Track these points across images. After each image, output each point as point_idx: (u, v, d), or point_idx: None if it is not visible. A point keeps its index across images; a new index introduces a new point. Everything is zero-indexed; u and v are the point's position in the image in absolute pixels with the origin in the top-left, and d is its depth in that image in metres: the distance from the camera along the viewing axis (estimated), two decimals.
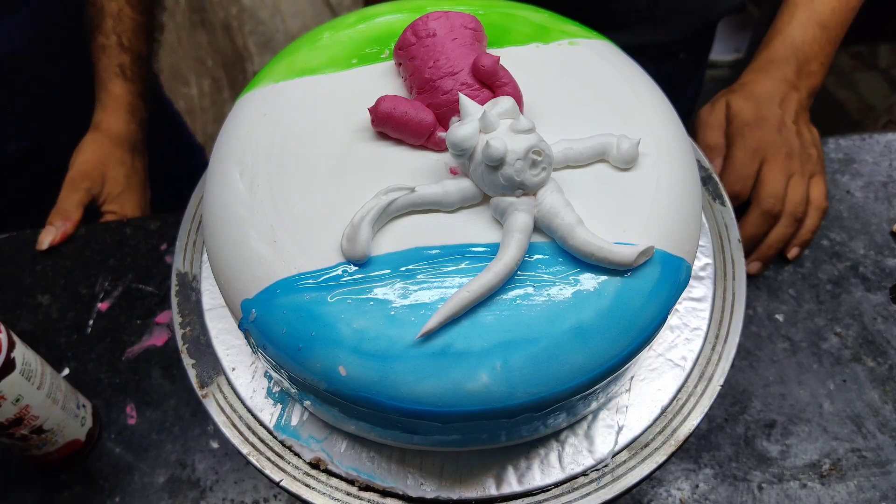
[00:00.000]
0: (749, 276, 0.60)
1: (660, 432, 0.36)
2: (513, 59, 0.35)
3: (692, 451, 0.53)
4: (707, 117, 0.62)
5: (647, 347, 0.33)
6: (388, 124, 0.33)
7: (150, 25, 0.76)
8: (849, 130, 0.74)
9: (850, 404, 0.55)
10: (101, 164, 0.70)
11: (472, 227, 0.31)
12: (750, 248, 0.58)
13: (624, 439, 0.36)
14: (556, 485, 0.35)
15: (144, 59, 0.74)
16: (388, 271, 0.30)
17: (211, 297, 0.41)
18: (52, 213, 0.66)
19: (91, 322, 0.62)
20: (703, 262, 0.42)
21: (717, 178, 0.46)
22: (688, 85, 0.86)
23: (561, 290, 0.29)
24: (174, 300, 0.41)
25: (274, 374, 0.35)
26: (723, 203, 0.45)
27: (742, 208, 0.59)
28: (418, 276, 0.30)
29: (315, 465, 0.36)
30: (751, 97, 0.61)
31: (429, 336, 0.28)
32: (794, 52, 0.62)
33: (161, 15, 0.80)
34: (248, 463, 0.36)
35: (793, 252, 0.61)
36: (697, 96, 0.92)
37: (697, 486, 0.52)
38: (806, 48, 0.62)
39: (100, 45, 0.72)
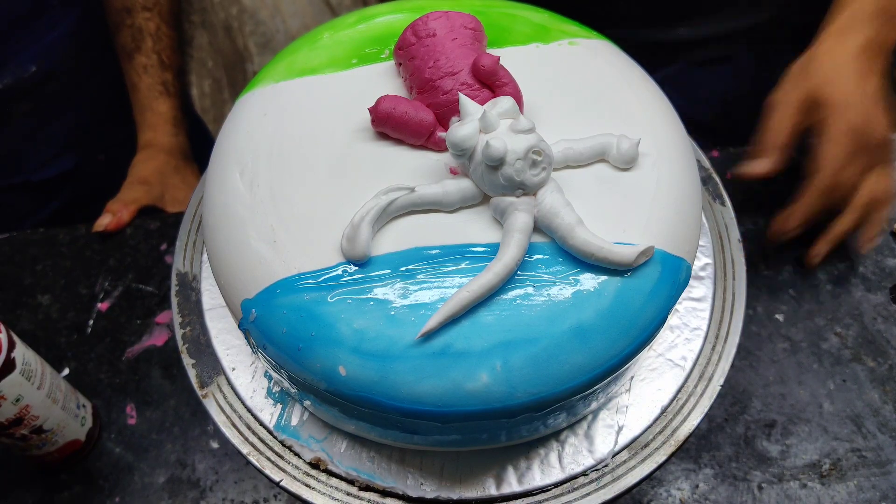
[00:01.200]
0: (806, 266, 0.59)
1: (660, 432, 0.36)
2: (513, 59, 0.35)
3: (692, 451, 0.53)
4: (780, 102, 0.56)
5: (647, 347, 0.33)
6: (388, 124, 0.33)
7: (181, 40, 0.76)
8: None
9: (850, 404, 0.55)
10: (159, 173, 0.71)
11: (472, 227, 0.31)
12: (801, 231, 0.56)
13: (624, 439, 0.36)
14: (556, 485, 0.35)
15: (181, 73, 0.75)
16: (388, 271, 0.30)
17: (211, 297, 0.41)
18: (111, 203, 0.67)
19: (91, 322, 0.62)
20: (703, 262, 0.42)
21: (716, 178, 0.46)
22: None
23: (561, 290, 0.29)
24: (174, 300, 0.41)
25: (274, 374, 0.35)
26: (723, 203, 0.45)
27: (743, 205, 0.59)
28: (418, 276, 0.30)
29: (315, 465, 0.36)
30: (830, 75, 0.55)
31: (429, 336, 0.28)
32: (877, 6, 0.56)
33: (192, 29, 0.81)
34: (248, 463, 0.36)
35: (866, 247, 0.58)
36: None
37: (697, 486, 0.52)
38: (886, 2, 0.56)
39: (141, 66, 0.73)
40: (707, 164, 0.46)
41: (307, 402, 0.35)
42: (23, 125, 0.74)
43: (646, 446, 0.36)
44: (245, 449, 0.36)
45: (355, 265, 0.30)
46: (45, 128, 0.76)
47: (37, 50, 0.71)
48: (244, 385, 0.38)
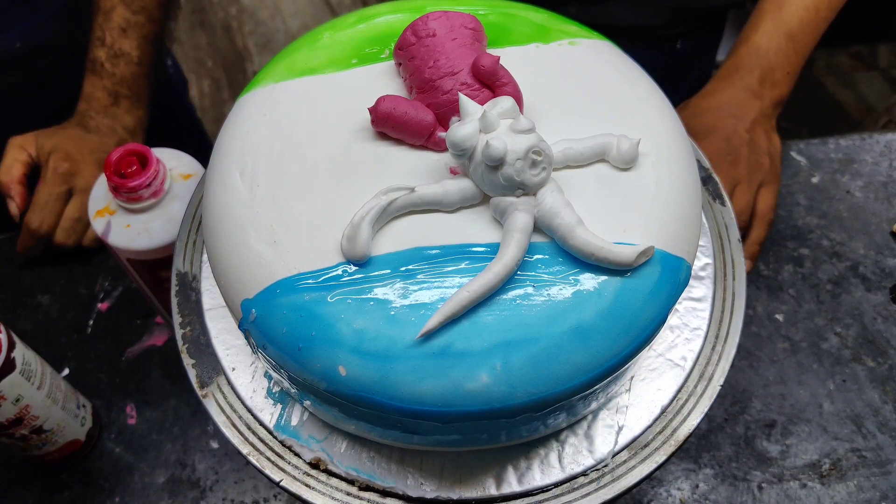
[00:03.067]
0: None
1: (660, 432, 0.36)
2: (513, 59, 0.35)
3: (692, 451, 0.53)
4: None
5: (647, 347, 0.33)
6: (388, 124, 0.33)
7: (146, 27, 0.75)
8: (849, 130, 0.74)
9: (850, 404, 0.55)
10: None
11: (472, 227, 0.31)
12: None
13: (624, 439, 0.36)
14: (556, 485, 0.35)
15: (128, 59, 0.73)
16: (388, 271, 0.30)
17: (211, 297, 0.41)
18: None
19: (91, 322, 0.62)
20: (703, 262, 0.42)
21: (717, 178, 0.46)
22: (685, 79, 0.85)
23: (561, 290, 0.29)
24: (174, 300, 0.41)
25: (274, 374, 0.35)
26: (723, 203, 0.45)
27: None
28: (418, 276, 0.30)
29: (315, 465, 0.36)
30: (705, 109, 0.61)
31: (429, 336, 0.28)
32: (759, 61, 0.62)
33: (174, 21, 0.79)
34: (248, 463, 0.36)
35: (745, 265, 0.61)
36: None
37: (697, 486, 0.52)
38: (771, 57, 0.62)
39: (92, 38, 0.73)
40: (707, 163, 0.46)
41: (307, 402, 0.36)
42: (7, 96, 0.75)
43: (646, 446, 0.36)
44: (245, 449, 0.36)
45: (355, 265, 0.30)
46: (29, 101, 0.77)
47: (22, 29, 0.71)
48: (244, 385, 0.38)
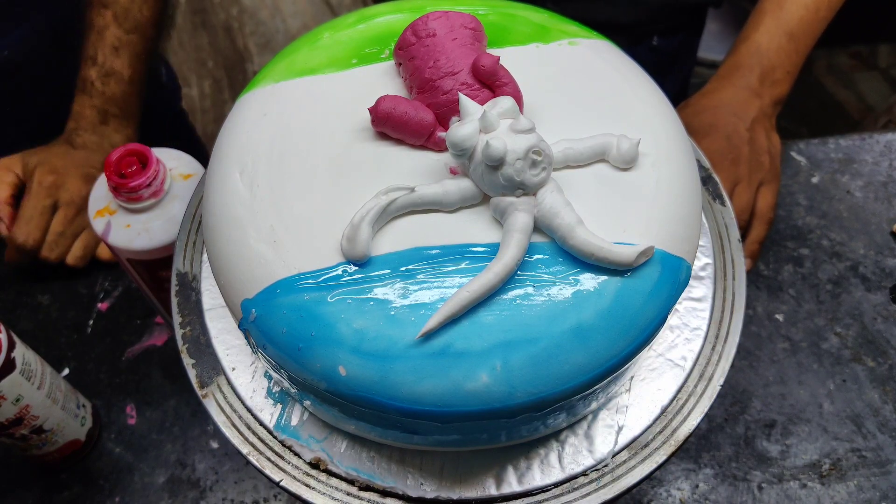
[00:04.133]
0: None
1: (660, 432, 0.36)
2: (513, 59, 0.35)
3: (692, 451, 0.53)
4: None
5: (647, 347, 0.33)
6: (388, 124, 0.33)
7: (139, 46, 0.74)
8: (849, 130, 0.74)
9: (850, 404, 0.55)
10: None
11: (472, 227, 0.31)
12: None
13: (624, 439, 0.36)
14: (556, 485, 0.35)
15: (119, 77, 0.72)
16: (388, 271, 0.30)
17: (211, 297, 0.41)
18: None
19: (91, 322, 0.62)
20: (703, 262, 0.42)
21: (716, 178, 0.46)
22: (665, 77, 0.85)
23: (561, 290, 0.29)
24: (174, 300, 0.41)
25: (274, 374, 0.35)
26: (723, 203, 0.45)
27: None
28: (418, 276, 0.30)
29: (315, 465, 0.36)
30: (705, 107, 0.62)
31: (429, 336, 0.28)
32: (759, 60, 0.62)
33: (165, 41, 0.79)
34: (248, 463, 0.36)
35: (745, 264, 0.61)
36: (683, 92, 0.91)
37: (697, 486, 0.52)
38: (772, 55, 0.62)
39: (83, 56, 0.72)
40: (707, 163, 0.46)
41: (307, 402, 0.36)
42: None
43: (646, 446, 0.36)
44: (245, 449, 0.36)
45: (355, 265, 0.30)
46: (10, 114, 0.76)
47: (4, 43, 0.71)
48: (244, 385, 0.38)
